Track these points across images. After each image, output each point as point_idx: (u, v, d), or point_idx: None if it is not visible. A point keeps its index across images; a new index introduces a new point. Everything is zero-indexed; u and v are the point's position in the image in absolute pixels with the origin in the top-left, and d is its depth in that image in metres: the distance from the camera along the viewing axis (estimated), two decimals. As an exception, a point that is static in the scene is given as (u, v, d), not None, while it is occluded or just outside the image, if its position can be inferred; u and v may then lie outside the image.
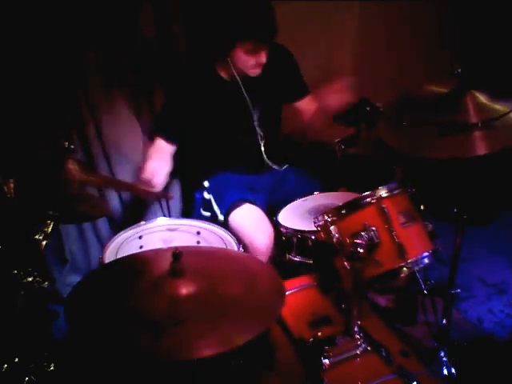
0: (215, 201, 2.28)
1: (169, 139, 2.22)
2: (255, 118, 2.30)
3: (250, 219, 2.13)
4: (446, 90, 1.72)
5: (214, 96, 2.23)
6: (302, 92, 2.44)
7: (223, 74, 2.26)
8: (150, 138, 2.27)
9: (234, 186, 2.29)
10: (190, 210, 2.46)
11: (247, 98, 2.26)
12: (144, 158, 2.21)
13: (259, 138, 2.34)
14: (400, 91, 1.85)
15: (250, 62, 2.13)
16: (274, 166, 2.43)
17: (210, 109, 2.23)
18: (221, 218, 2.21)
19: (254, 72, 2.18)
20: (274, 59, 2.23)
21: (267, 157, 2.38)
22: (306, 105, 2.44)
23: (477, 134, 1.57)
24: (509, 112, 1.58)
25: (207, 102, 2.22)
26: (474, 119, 1.59)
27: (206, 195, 2.32)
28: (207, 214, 2.30)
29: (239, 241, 1.99)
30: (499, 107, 1.62)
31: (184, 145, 2.28)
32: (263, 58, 2.12)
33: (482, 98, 1.65)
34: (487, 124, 1.57)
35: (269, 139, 2.37)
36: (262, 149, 2.36)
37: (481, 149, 1.55)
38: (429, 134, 1.63)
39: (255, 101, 2.28)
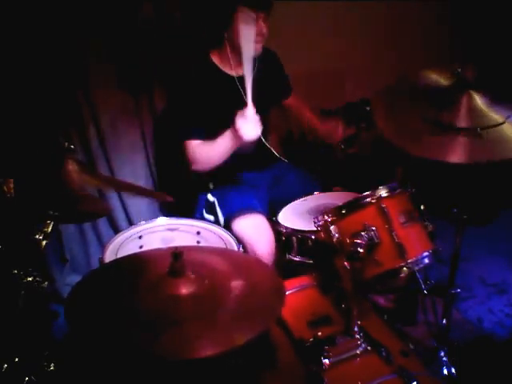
0: (219, 204, 2.27)
1: (200, 137, 2.19)
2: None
3: (252, 228, 2.12)
4: (445, 84, 1.70)
5: (211, 87, 2.22)
6: (289, 90, 2.51)
7: (218, 63, 2.26)
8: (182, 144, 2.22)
9: (238, 188, 2.28)
10: (190, 210, 2.46)
11: (239, 86, 2.25)
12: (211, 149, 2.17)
13: None
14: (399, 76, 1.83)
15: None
16: (274, 151, 2.44)
17: (210, 101, 2.22)
18: (221, 221, 2.20)
19: (256, 47, 2.15)
20: (264, 61, 2.26)
21: (265, 140, 2.39)
22: (292, 101, 2.52)
23: (461, 139, 1.54)
24: (501, 124, 1.55)
25: (207, 94, 2.21)
26: (463, 123, 1.57)
27: (211, 197, 2.31)
28: (210, 217, 2.29)
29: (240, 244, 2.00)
30: (495, 116, 1.58)
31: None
32: (263, 28, 2.12)
33: (479, 102, 1.62)
34: (475, 131, 1.54)
35: (265, 125, 2.38)
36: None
37: (460, 156, 1.51)
38: (415, 127, 1.61)
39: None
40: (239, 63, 2.24)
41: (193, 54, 2.38)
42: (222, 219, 2.22)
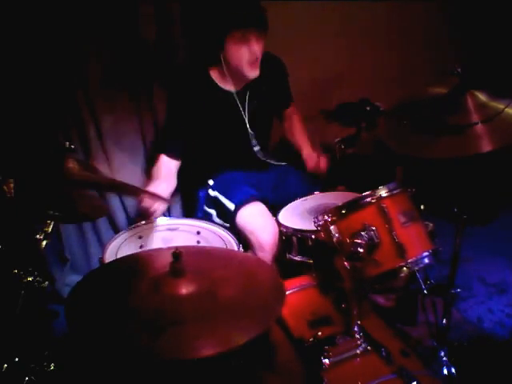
0: (223, 195, 2.26)
1: (173, 155, 2.24)
2: (246, 120, 2.32)
3: (257, 217, 2.14)
4: (445, 91, 1.72)
5: (207, 102, 2.24)
6: (289, 101, 2.53)
7: (216, 79, 2.27)
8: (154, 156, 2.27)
9: (239, 183, 2.29)
10: (191, 208, 2.46)
11: (238, 102, 2.28)
12: (147, 179, 2.19)
13: (251, 138, 2.37)
14: (401, 95, 1.85)
15: (243, 53, 2.10)
16: (271, 162, 2.47)
17: (205, 115, 2.24)
18: (231, 207, 2.18)
19: (251, 69, 2.15)
20: (268, 69, 2.27)
21: (262, 155, 2.43)
22: (288, 112, 2.54)
23: (479, 132, 1.57)
24: (507, 106, 1.59)
25: (202, 107, 2.23)
26: (475, 118, 1.59)
27: (211, 192, 2.31)
28: (211, 210, 2.30)
29: (242, 239, 2.02)
30: (498, 104, 1.62)
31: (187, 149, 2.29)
32: (255, 46, 2.10)
33: (482, 97, 1.65)
34: (488, 121, 1.58)
35: (261, 138, 2.41)
36: (255, 148, 2.41)
37: (485, 146, 1.54)
38: (430, 136, 1.63)
39: (245, 104, 2.31)
40: (238, 81, 2.25)
41: (192, 67, 2.39)
42: (230, 204, 2.20)
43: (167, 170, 2.22)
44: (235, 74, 2.21)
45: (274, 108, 2.49)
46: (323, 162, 2.37)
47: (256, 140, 2.40)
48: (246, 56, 2.11)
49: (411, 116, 1.73)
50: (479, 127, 1.58)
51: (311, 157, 2.39)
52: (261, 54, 2.14)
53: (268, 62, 2.26)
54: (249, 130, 2.34)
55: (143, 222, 2.08)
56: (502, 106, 1.60)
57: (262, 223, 2.11)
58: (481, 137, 1.56)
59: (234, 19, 2.07)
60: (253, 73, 2.17)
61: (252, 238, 2.09)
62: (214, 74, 2.27)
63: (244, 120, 2.31)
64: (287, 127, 2.56)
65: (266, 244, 2.06)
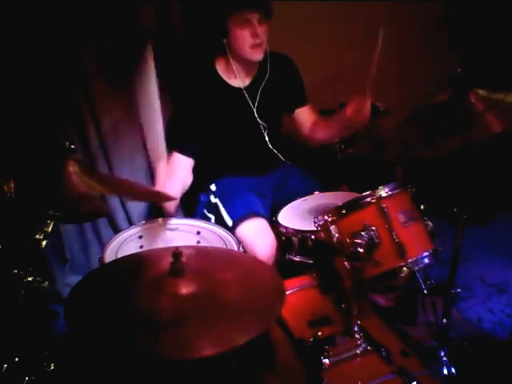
0: (224, 207, 2.25)
1: (185, 153, 2.22)
2: (255, 110, 2.29)
3: (253, 231, 2.12)
4: (448, 93, 1.73)
5: (213, 95, 2.23)
6: (301, 102, 2.45)
7: (223, 74, 2.26)
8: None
9: (241, 192, 2.28)
10: (192, 211, 2.46)
11: (244, 93, 2.26)
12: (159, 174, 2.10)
13: (262, 129, 2.34)
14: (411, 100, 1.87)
15: (246, 36, 2.09)
16: (280, 156, 2.44)
17: (211, 109, 2.22)
18: (229, 223, 2.18)
19: (255, 52, 2.13)
20: (277, 67, 2.28)
21: (272, 146, 2.39)
22: (305, 115, 2.46)
23: (486, 117, 1.61)
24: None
25: (208, 102, 2.21)
26: (480, 107, 1.63)
27: (213, 199, 2.30)
28: (211, 215, 2.29)
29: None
30: (499, 95, 1.67)
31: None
32: (258, 29, 2.08)
33: (484, 93, 1.68)
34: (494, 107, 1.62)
35: (272, 129, 2.38)
36: (267, 138, 2.36)
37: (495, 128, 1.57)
38: (433, 136, 1.64)
39: (253, 95, 2.29)
40: (242, 71, 2.24)
41: (196, 60, 2.38)
42: (229, 220, 2.19)
43: (179, 166, 2.20)
44: (240, 61, 2.20)
45: (285, 104, 2.43)
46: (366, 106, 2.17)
47: (266, 129, 2.35)
48: (249, 39, 2.10)
49: (423, 122, 1.73)
50: (484, 116, 1.60)
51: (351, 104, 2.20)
52: (265, 38, 2.13)
53: (278, 60, 2.28)
54: (257, 119, 2.31)
55: (143, 222, 2.08)
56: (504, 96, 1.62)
57: (260, 239, 2.09)
58: (487, 123, 1.59)
59: (233, 1, 2.06)
60: (256, 55, 2.15)
61: (249, 251, 2.08)
62: (220, 67, 2.25)
63: (253, 114, 2.29)
64: (311, 128, 2.45)
65: (263, 258, 2.05)
